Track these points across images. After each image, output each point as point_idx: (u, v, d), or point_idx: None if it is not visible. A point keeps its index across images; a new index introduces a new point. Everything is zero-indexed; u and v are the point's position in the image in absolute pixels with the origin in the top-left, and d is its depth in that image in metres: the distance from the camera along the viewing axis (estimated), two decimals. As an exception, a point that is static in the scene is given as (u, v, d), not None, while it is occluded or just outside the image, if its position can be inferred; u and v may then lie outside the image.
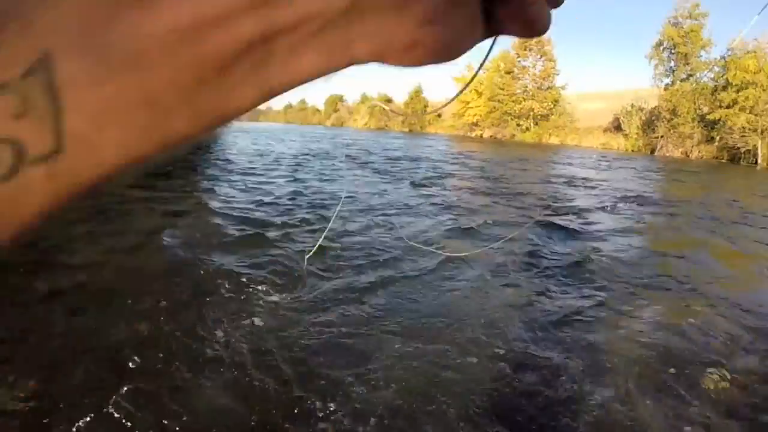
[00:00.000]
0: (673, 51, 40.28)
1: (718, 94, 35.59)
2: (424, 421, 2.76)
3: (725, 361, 3.72)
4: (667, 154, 37.85)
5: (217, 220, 6.94)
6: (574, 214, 9.77)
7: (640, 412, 3.03)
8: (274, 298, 4.29)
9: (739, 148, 33.11)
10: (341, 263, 5.27)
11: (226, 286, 4.41)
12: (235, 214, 7.42)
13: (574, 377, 3.34)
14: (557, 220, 8.87)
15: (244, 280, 4.57)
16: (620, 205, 11.34)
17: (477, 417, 2.83)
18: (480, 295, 4.73)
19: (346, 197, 9.18)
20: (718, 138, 35.09)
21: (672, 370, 3.54)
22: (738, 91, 33.57)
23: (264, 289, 4.43)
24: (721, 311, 4.77)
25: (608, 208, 10.83)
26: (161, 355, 3.16)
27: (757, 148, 31.91)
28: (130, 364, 3.00)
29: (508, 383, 3.21)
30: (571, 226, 8.36)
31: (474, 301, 4.60)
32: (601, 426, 2.88)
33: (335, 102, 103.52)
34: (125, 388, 2.73)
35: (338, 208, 4.96)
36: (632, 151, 41.08)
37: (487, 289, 4.89)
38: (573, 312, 4.54)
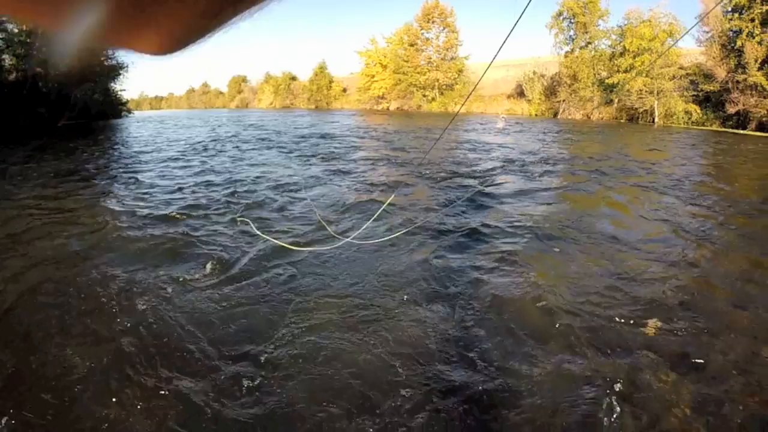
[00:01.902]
0: (572, 21, 40.36)
1: (616, 59, 35.94)
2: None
3: (633, 297, 4.03)
4: (569, 117, 38.09)
5: (134, 216, 6.75)
6: (475, 177, 10.02)
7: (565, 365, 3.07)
8: (204, 276, 4.52)
9: (637, 108, 33.29)
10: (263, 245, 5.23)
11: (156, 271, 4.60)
12: (144, 207, 7.31)
13: (491, 340, 3.36)
14: (464, 184, 9.18)
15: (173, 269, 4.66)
16: (524, 166, 11.63)
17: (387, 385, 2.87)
18: (381, 275, 4.56)
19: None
20: (617, 100, 35.37)
21: (594, 319, 3.64)
22: (634, 57, 33.93)
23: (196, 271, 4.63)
24: (614, 254, 5.13)
25: (512, 170, 10.99)
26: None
27: (653, 108, 32.13)
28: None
29: (426, 347, 3.27)
30: (477, 189, 8.48)
31: (376, 279, 4.44)
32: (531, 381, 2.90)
33: (238, 83, 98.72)
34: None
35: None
36: (536, 115, 40.97)
37: (388, 270, 4.69)
38: (479, 275, 4.53)
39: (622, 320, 3.61)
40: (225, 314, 3.75)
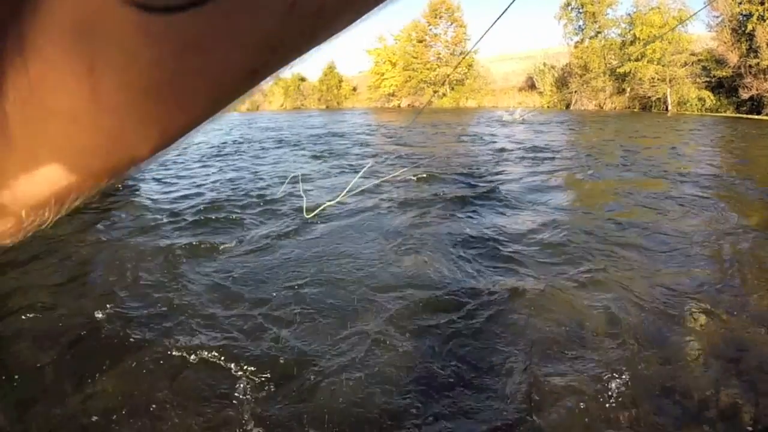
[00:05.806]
0: (581, 11, 40.35)
1: (627, 48, 35.96)
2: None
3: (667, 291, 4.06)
4: (582, 108, 38.23)
5: (166, 217, 7.03)
6: (488, 170, 10.23)
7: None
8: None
9: (649, 97, 33.40)
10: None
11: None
12: (183, 207, 7.60)
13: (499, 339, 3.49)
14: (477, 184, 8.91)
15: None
16: (538, 158, 11.84)
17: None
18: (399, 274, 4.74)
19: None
20: (629, 89, 35.44)
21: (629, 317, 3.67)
22: (645, 45, 33.90)
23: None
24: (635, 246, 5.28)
25: (526, 163, 11.13)
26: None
27: (666, 96, 32.23)
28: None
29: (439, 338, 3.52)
30: (489, 182, 8.74)
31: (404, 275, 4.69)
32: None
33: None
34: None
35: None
36: (548, 107, 41.05)
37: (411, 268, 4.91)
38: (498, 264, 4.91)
39: (658, 311, 3.74)
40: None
